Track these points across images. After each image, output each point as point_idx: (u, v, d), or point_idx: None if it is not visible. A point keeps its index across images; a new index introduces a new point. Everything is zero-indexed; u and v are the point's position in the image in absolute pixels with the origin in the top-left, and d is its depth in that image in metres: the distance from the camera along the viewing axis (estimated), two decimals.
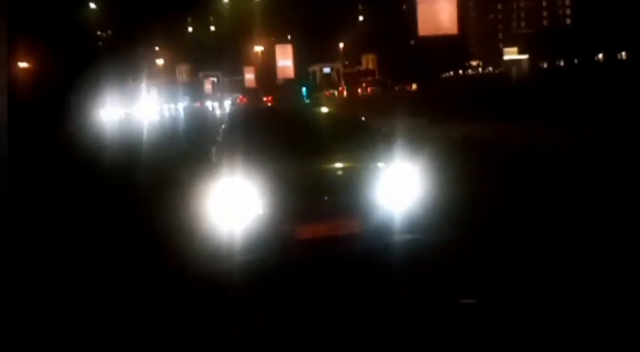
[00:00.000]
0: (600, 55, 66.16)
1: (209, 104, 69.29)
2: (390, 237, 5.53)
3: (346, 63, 73.61)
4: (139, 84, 70.47)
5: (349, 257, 5.56)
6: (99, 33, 66.42)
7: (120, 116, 52.71)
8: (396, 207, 5.60)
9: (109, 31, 69.29)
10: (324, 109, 8.14)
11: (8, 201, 5.28)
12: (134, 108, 59.71)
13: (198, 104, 69.67)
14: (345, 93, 55.84)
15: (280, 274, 5.42)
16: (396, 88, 55.24)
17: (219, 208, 5.53)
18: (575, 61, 63.64)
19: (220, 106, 63.71)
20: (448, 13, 31.23)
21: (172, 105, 68.58)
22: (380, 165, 5.95)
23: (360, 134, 6.79)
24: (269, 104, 46.21)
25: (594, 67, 45.77)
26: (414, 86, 52.14)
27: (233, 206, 5.50)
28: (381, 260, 5.55)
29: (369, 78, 64.61)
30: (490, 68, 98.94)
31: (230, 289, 5.32)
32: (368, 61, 72.18)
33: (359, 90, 56.70)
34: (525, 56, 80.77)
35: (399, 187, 5.69)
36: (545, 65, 71.84)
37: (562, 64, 69.11)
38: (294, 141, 6.42)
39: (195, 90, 78.77)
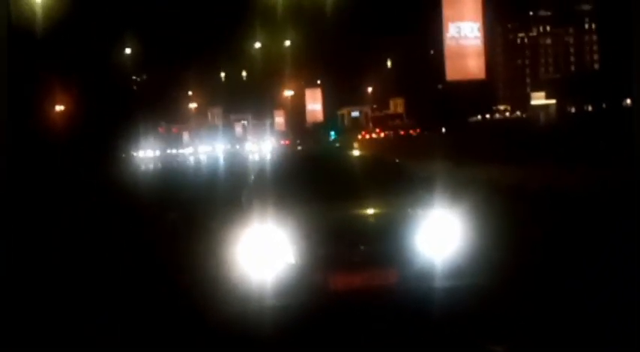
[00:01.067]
0: (628, 100, 65.99)
1: (240, 146, 70.27)
2: (428, 287, 5.21)
3: (374, 106, 74.36)
4: (173, 127, 71.88)
5: (385, 306, 5.26)
6: (134, 77, 68.15)
7: (155, 158, 53.64)
8: (435, 256, 5.27)
9: (144, 76, 71.02)
10: (357, 152, 8.05)
11: (9, 203, 5.38)
12: (169, 150, 60.82)
13: (229, 146, 70.73)
14: (367, 136, 55.81)
15: (310, 319, 5.19)
16: (402, 133, 54.23)
17: (248, 255, 5.27)
18: (604, 106, 63.53)
19: (251, 149, 64.47)
20: (476, 58, 31.72)
21: (205, 148, 69.65)
22: (418, 210, 5.66)
23: (395, 178, 6.51)
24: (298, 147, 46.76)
25: (622, 111, 45.69)
26: (417, 130, 52.60)
27: (263, 253, 5.22)
28: (416, 306, 5.27)
29: (397, 121, 65.00)
30: (518, 112, 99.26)
31: (256, 333, 5.12)
32: (396, 105, 72.77)
33: (373, 135, 56.19)
34: (553, 101, 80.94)
35: (438, 234, 5.36)
36: (573, 110, 71.85)
37: (590, 109, 69.06)
38: (327, 186, 6.14)
39: (226, 133, 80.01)
